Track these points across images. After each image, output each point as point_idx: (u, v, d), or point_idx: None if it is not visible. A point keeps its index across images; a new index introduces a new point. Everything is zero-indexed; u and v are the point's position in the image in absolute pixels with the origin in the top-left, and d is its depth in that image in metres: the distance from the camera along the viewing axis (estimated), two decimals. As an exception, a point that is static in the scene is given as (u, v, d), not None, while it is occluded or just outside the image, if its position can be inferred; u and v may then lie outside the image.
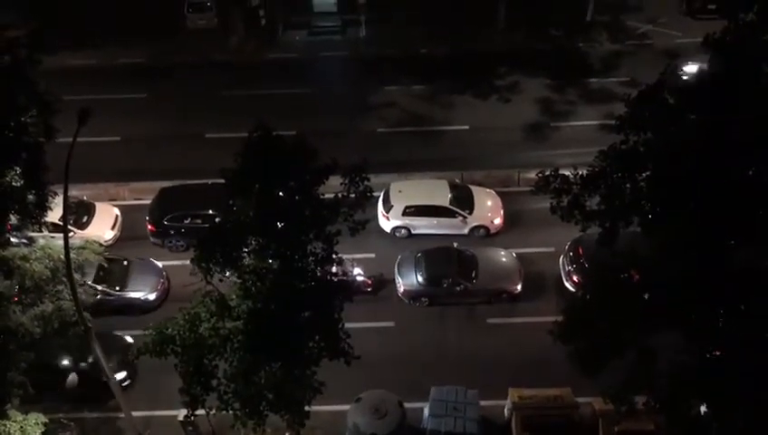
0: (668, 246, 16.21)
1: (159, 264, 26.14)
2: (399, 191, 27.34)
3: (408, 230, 27.21)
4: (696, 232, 15.57)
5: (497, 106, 32.31)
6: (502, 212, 27.36)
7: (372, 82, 33.44)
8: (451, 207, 26.93)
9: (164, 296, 25.40)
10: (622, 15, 36.14)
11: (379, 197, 27.23)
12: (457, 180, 28.43)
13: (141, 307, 24.88)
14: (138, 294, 25.14)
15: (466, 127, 31.29)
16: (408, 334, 24.57)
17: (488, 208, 27.41)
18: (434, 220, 27.03)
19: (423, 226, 27.11)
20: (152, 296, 25.17)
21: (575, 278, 24.63)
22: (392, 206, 27.01)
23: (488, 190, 28.07)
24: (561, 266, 25.63)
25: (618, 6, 36.48)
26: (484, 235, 27.28)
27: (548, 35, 35.21)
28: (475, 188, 27.94)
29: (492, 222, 27.25)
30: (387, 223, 27.19)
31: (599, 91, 32.47)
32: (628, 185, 16.70)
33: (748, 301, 15.60)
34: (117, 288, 25.01)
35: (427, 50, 34.80)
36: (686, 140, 15.75)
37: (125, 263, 25.72)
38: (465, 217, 26.98)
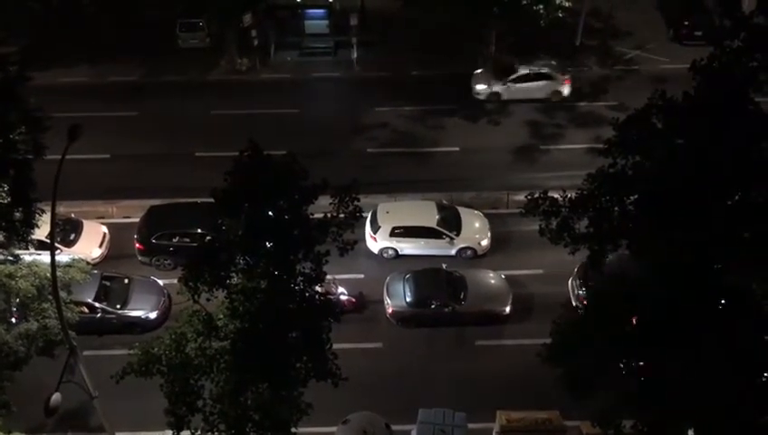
0: (656, 268, 16.28)
1: (161, 282, 25.96)
2: (387, 212, 27.37)
3: (396, 251, 27.20)
4: (683, 254, 15.65)
5: (487, 128, 32.54)
6: (489, 234, 27.43)
7: (363, 103, 33.62)
8: (438, 228, 26.97)
9: (165, 315, 25.12)
10: (611, 41, 36.60)
11: (367, 217, 27.24)
12: (445, 202, 28.50)
13: (142, 326, 24.63)
14: (138, 312, 24.93)
15: (456, 149, 31.45)
16: (396, 356, 24.46)
17: (475, 230, 27.47)
18: (421, 241, 27.04)
19: (410, 247, 27.11)
20: (153, 315, 24.94)
21: (585, 301, 24.51)
22: (380, 227, 27.01)
23: (476, 212, 28.16)
24: (569, 289, 25.52)
25: (606, 32, 36.96)
26: (472, 256, 27.31)
27: (538, 59, 35.55)
28: (462, 210, 28.01)
29: (479, 243, 27.30)
30: (374, 244, 27.17)
31: (587, 114, 32.78)
32: (616, 208, 16.81)
33: (735, 323, 15.65)
34: (118, 306, 24.83)
35: (418, 72, 35.05)
36: (673, 164, 15.88)
37: (126, 281, 25.55)
38: (452, 239, 27.00)
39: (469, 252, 27.28)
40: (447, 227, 27.07)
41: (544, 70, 33.22)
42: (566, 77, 33.22)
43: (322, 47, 36.31)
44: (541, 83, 33.03)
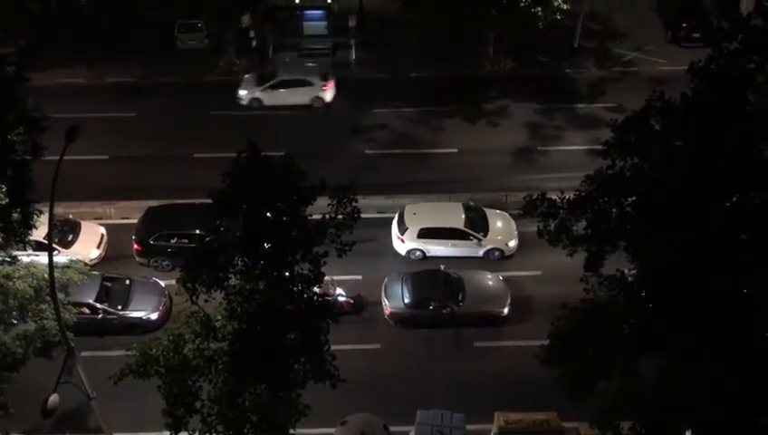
0: (654, 270, 16.29)
1: (162, 283, 25.93)
2: (414, 214, 27.32)
3: (423, 253, 27.15)
4: (680, 257, 15.67)
5: (486, 130, 32.54)
6: (516, 234, 27.25)
7: (362, 105, 33.61)
8: (465, 229, 26.92)
9: (166, 316, 25.04)
10: (609, 43, 36.60)
11: (394, 219, 27.45)
12: (471, 203, 28.39)
13: (143, 327, 24.55)
14: (140, 313, 24.91)
15: (455, 150, 31.45)
16: (394, 357, 24.46)
17: (503, 231, 27.32)
18: (449, 243, 26.98)
19: (438, 248, 27.05)
20: (154, 316, 24.91)
21: None
22: (407, 228, 26.97)
23: (502, 213, 27.95)
24: None
25: (604, 34, 36.97)
26: (499, 257, 27.22)
27: (536, 61, 35.60)
28: (489, 211, 27.89)
29: (506, 244, 27.19)
30: (402, 245, 27.14)
31: (586, 116, 32.80)
32: (614, 209, 16.82)
33: (733, 325, 15.66)
34: (119, 307, 24.81)
35: (417, 73, 35.06)
36: (671, 166, 15.90)
37: (127, 282, 25.54)
38: (479, 240, 26.95)
39: (497, 253, 27.21)
40: (475, 229, 27.02)
41: (303, 76, 33.08)
42: (326, 83, 32.98)
43: (321, 48, 36.29)
44: (300, 90, 32.82)
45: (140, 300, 25.16)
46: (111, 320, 24.63)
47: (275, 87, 32.88)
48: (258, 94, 32.96)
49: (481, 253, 27.11)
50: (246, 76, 33.72)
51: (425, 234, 26.89)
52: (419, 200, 28.54)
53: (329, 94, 33.19)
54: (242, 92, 33.14)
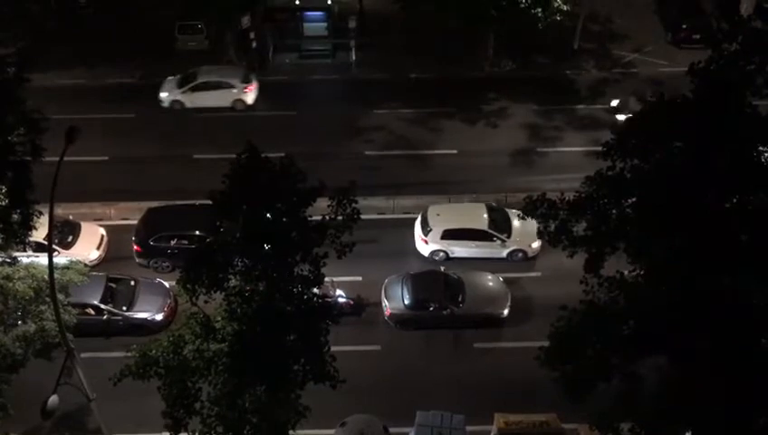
0: (653, 271, 16.29)
1: (167, 284, 25.92)
2: (437, 215, 27.30)
3: (447, 254, 27.14)
4: (680, 258, 15.67)
5: (485, 131, 32.56)
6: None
7: (361, 106, 33.62)
8: (489, 230, 26.91)
9: (171, 317, 25.03)
10: (609, 44, 36.61)
11: (416, 219, 27.49)
12: (494, 204, 28.34)
13: (149, 328, 24.50)
14: (145, 314, 24.91)
15: (454, 151, 31.46)
16: (394, 358, 24.46)
17: (526, 232, 27.01)
18: (472, 244, 26.98)
19: (461, 249, 27.05)
20: (159, 317, 24.91)
21: None
22: (431, 229, 26.95)
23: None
24: None
25: (604, 35, 36.99)
26: (522, 259, 27.18)
27: (536, 62, 35.62)
28: (511, 212, 27.82)
29: (530, 246, 27.11)
30: (425, 247, 27.13)
31: (585, 117, 32.81)
32: (614, 211, 16.83)
33: (732, 326, 15.66)
34: (124, 308, 24.82)
35: (417, 75, 35.07)
36: (671, 167, 15.91)
37: (132, 283, 25.56)
38: (503, 241, 26.93)
39: (520, 254, 27.15)
40: (498, 230, 26.98)
41: (222, 78, 32.90)
42: (247, 85, 32.79)
43: (321, 50, 36.30)
44: (220, 92, 32.62)
45: (145, 301, 25.16)
46: (116, 321, 24.65)
47: (196, 89, 32.64)
48: (179, 96, 32.71)
49: (504, 254, 27.08)
50: (169, 78, 33.37)
51: (448, 235, 26.86)
52: (419, 202, 28.56)
53: (250, 97, 32.99)
54: (162, 94, 32.82)
